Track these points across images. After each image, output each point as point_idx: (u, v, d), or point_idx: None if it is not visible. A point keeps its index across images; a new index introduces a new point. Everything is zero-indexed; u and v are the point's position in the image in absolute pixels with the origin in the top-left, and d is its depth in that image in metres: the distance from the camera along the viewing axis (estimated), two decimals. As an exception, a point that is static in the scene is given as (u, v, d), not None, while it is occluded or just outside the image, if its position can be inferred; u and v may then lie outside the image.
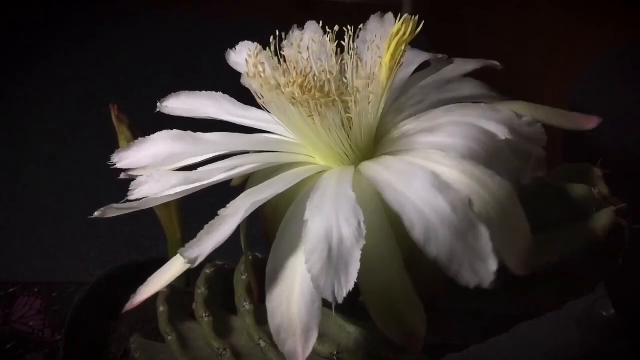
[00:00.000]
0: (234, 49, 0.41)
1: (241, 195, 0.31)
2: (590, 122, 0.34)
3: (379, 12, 0.39)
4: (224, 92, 0.40)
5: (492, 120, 0.30)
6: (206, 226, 0.29)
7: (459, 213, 0.25)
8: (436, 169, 0.28)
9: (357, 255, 0.26)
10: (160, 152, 0.35)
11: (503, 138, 0.29)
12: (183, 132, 0.36)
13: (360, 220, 0.26)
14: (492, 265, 0.25)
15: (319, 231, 0.26)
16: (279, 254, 0.29)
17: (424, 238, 0.25)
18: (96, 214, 0.32)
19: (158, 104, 0.40)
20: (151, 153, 0.35)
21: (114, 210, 0.32)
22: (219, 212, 0.29)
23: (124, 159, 0.36)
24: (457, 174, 0.28)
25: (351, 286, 0.25)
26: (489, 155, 0.28)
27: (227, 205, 0.30)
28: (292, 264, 0.28)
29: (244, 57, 0.36)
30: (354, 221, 0.26)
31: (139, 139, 0.36)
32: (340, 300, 0.25)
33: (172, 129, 0.37)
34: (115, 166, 0.36)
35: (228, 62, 0.41)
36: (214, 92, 0.40)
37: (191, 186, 0.32)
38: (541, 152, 0.30)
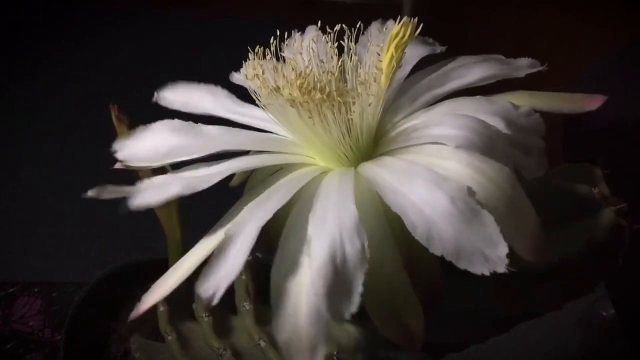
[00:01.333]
0: (238, 72, 0.41)
1: (244, 209, 0.31)
2: (594, 102, 0.34)
3: (380, 19, 0.39)
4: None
5: (488, 113, 0.30)
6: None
7: (459, 203, 0.25)
8: (433, 163, 0.28)
9: (360, 278, 0.26)
10: (161, 145, 0.35)
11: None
12: (185, 123, 0.36)
13: (364, 242, 0.26)
14: (503, 249, 0.24)
15: (323, 253, 0.26)
16: (282, 268, 0.28)
17: (426, 237, 0.25)
18: (90, 193, 0.32)
19: (155, 94, 0.40)
20: (152, 145, 0.35)
21: (109, 192, 0.32)
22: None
23: (125, 148, 0.35)
24: (454, 164, 0.28)
25: (355, 308, 0.25)
26: (484, 143, 0.28)
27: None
28: (296, 280, 0.28)
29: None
30: (358, 242, 0.26)
31: (140, 127, 0.36)
32: (346, 318, 0.25)
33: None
34: (116, 155, 0.35)
35: (232, 81, 0.41)
36: (212, 85, 0.40)
37: (191, 192, 0.32)
38: (540, 143, 0.30)
